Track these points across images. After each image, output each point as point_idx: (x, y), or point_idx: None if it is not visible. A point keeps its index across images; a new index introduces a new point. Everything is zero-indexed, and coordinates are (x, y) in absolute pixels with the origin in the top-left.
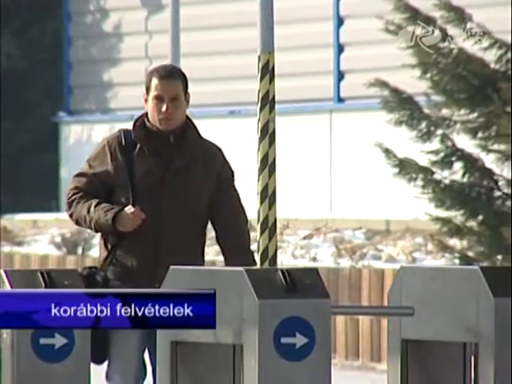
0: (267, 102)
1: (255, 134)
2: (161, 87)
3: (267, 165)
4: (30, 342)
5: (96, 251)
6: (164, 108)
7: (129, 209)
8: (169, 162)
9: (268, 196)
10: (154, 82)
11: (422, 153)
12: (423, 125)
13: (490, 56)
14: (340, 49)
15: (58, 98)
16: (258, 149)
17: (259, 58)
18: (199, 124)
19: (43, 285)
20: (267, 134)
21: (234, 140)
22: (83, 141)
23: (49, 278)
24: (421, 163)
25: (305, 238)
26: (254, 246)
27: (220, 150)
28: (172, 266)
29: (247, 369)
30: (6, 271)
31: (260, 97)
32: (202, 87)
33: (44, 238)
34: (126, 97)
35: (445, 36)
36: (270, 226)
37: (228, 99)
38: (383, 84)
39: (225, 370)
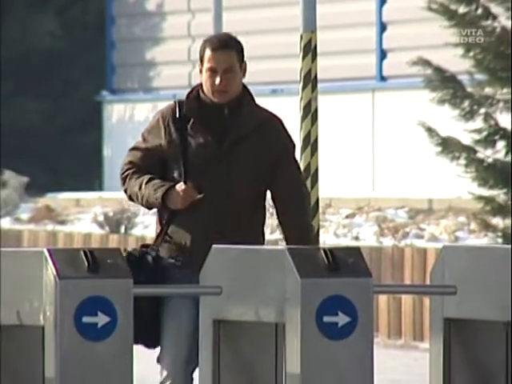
0: (309, 80)
1: (297, 112)
2: (214, 59)
3: (309, 143)
4: (73, 321)
5: (139, 230)
6: (218, 80)
7: (180, 186)
8: (223, 136)
9: (310, 175)
10: (208, 53)
11: (464, 131)
12: (466, 103)
13: None
14: (382, 27)
15: (100, 77)
16: (301, 127)
17: (301, 36)
18: None
19: (86, 264)
20: (309, 112)
21: None
22: (126, 120)
23: (92, 256)
24: (464, 142)
25: (347, 216)
26: None
27: (279, 120)
28: (214, 245)
29: (289, 347)
30: (49, 250)
31: (302, 75)
32: None
33: (87, 216)
34: (169, 76)
35: (488, 14)
36: (312, 205)
37: (270, 78)
38: (426, 62)
39: (267, 348)
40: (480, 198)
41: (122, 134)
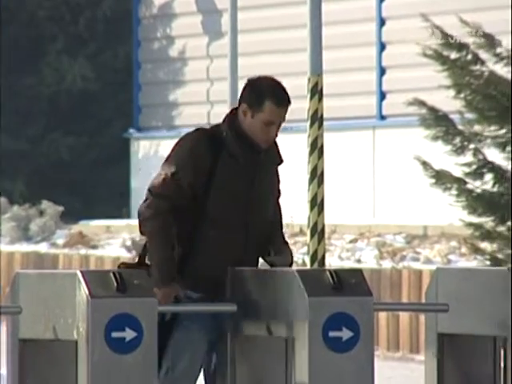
0: (316, 119)
1: (305, 148)
2: (276, 114)
3: (316, 176)
4: (104, 336)
5: None
6: (273, 133)
7: (167, 291)
8: (254, 176)
9: (317, 204)
10: (269, 105)
11: (456, 165)
12: (457, 140)
13: None
14: (382, 71)
15: (128, 116)
16: (308, 161)
17: (309, 79)
18: None
19: (115, 284)
20: (316, 148)
21: (287, 154)
22: (151, 155)
23: (120, 277)
24: (455, 174)
25: (350, 241)
26: (304, 249)
27: (279, 150)
28: (230, 267)
29: (298, 360)
30: (81, 272)
31: (310, 115)
32: None
33: (116, 241)
34: (190, 115)
35: (476, 60)
36: (318, 231)
37: None
38: (421, 103)
39: (278, 360)
40: (470, 224)
41: (148, 167)
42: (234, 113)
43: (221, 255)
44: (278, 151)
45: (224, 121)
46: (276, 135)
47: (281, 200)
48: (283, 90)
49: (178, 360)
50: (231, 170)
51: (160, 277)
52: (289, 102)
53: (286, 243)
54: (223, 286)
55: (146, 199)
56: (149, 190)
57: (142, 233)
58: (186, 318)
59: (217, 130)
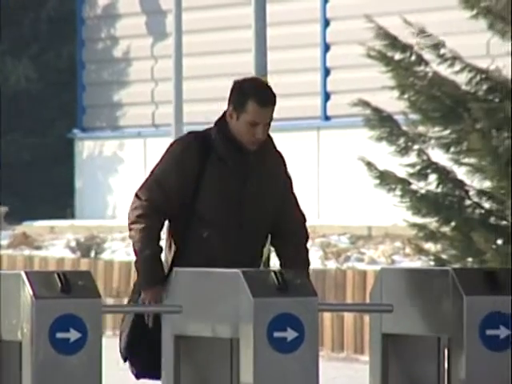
0: None
1: None
2: (259, 115)
3: None
4: (48, 337)
5: (107, 254)
6: (258, 134)
7: (154, 295)
8: (246, 177)
9: None
10: (252, 106)
11: (400, 166)
12: (401, 140)
13: (461, 79)
14: (326, 72)
15: (72, 117)
16: None
17: None
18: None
19: (59, 285)
20: None
21: None
22: (95, 155)
23: (64, 278)
24: (399, 175)
25: None
26: None
27: (283, 158)
28: (175, 268)
29: (243, 360)
30: (26, 272)
31: None
32: (203, 107)
33: (60, 242)
34: (134, 115)
35: (420, 61)
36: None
37: None
38: (365, 104)
39: (223, 361)
40: (414, 225)
41: (92, 168)
42: (223, 115)
43: (213, 256)
44: (284, 167)
45: (215, 124)
46: (263, 136)
47: (294, 207)
48: (267, 90)
49: None
50: (220, 172)
51: (143, 277)
52: (273, 102)
53: (299, 254)
54: None
55: (133, 203)
56: (135, 193)
57: (130, 237)
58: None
59: (207, 132)
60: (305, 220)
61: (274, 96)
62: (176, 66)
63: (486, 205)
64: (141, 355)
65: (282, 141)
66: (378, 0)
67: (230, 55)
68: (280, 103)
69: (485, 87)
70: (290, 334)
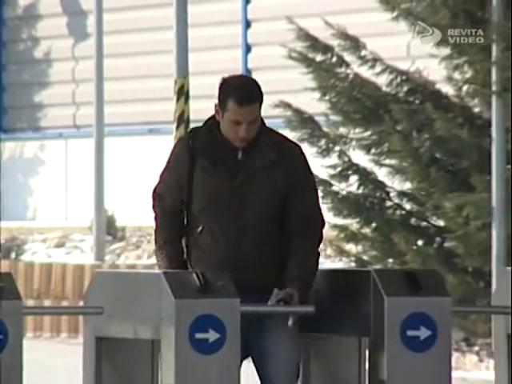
0: (183, 121)
1: None
2: (239, 114)
3: None
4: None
5: (28, 256)
6: (241, 133)
7: None
8: (236, 172)
9: None
10: (231, 105)
11: (321, 167)
12: (322, 142)
13: (382, 80)
14: (248, 73)
15: None
16: None
17: (175, 81)
18: (121, 141)
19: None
20: None
21: (153, 155)
22: (16, 156)
23: None
24: (321, 176)
25: None
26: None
27: (297, 150)
28: (97, 270)
29: (165, 362)
30: None
31: (176, 116)
32: (124, 108)
33: None
34: (55, 117)
35: (341, 62)
36: None
37: (148, 118)
38: (287, 105)
39: (144, 363)
40: (335, 226)
41: (13, 169)
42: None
43: (212, 257)
44: (294, 160)
45: (208, 119)
46: (247, 134)
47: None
48: (248, 88)
49: None
50: (209, 170)
51: (164, 263)
52: (252, 100)
53: (299, 277)
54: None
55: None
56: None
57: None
58: None
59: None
60: (312, 220)
61: (254, 94)
62: (97, 67)
63: (407, 206)
64: None
65: None
66: (300, 2)
67: (152, 56)
68: (201, 104)
69: (405, 89)
70: (212, 335)
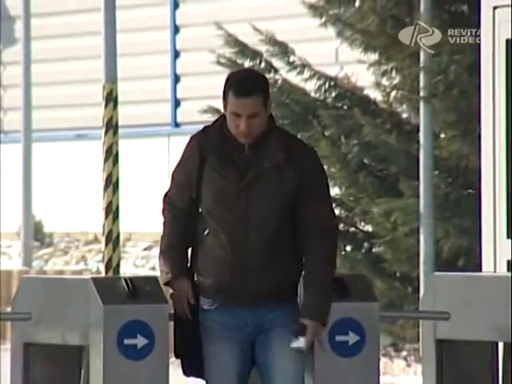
0: (111, 126)
1: (100, 155)
2: (238, 105)
3: (111, 183)
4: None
5: None
6: (242, 126)
7: (179, 289)
8: (245, 171)
9: (112, 211)
10: (230, 96)
11: None
12: None
13: (311, 86)
14: (176, 79)
15: None
16: (103, 169)
17: (104, 87)
18: (49, 146)
19: None
20: (111, 155)
21: (81, 161)
22: None
23: None
24: None
25: (145, 249)
26: (99, 257)
27: (309, 151)
28: (24, 275)
29: (93, 368)
30: None
31: (105, 122)
32: (51, 113)
33: None
34: None
35: (270, 68)
36: (113, 239)
37: (75, 124)
38: (215, 110)
39: (72, 369)
40: None
41: None
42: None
43: (217, 260)
44: (304, 161)
45: (219, 117)
46: (247, 128)
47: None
48: (248, 80)
49: None
50: (217, 168)
51: (162, 269)
52: (250, 93)
53: (320, 293)
54: (234, 293)
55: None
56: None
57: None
58: None
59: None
60: (323, 224)
61: (253, 87)
62: (25, 72)
63: (335, 211)
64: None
65: (133, 147)
66: (228, 7)
67: (80, 62)
68: (130, 110)
69: (334, 94)
70: (140, 341)
